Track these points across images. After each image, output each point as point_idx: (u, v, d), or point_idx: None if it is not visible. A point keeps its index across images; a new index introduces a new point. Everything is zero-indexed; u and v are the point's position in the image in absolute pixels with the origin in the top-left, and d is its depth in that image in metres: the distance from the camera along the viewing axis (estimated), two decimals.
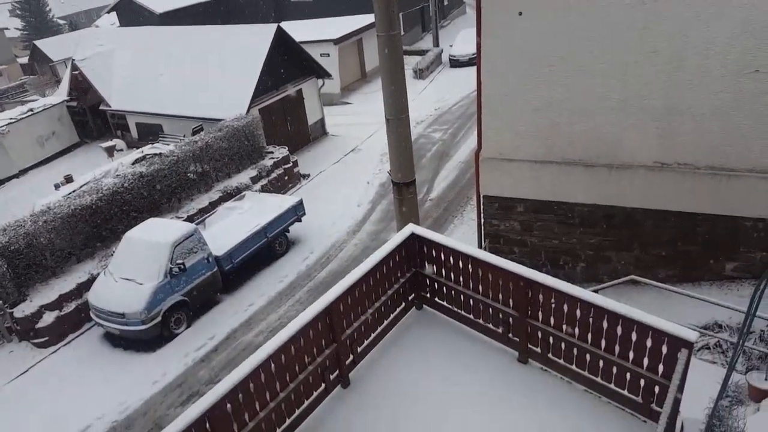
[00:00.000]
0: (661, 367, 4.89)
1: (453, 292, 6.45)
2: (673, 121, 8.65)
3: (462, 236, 14.20)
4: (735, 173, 8.59)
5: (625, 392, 5.25)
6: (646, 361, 4.98)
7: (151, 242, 12.16)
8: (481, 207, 10.81)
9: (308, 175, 19.60)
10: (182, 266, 12.07)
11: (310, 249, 15.11)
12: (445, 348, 6.31)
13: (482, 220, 10.98)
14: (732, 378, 4.59)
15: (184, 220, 14.46)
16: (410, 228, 6.50)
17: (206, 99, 19.56)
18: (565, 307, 5.38)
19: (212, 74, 20.12)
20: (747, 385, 6.83)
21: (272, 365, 5.08)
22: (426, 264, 6.59)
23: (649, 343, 4.88)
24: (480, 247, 11.19)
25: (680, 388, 4.70)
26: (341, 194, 17.88)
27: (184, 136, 18.26)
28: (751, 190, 8.57)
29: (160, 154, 16.21)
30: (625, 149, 9.13)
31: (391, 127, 8.61)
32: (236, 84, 19.22)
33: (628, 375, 5.17)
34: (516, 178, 10.09)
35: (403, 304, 6.74)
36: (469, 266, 6.14)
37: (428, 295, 6.79)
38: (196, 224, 13.63)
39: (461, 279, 6.29)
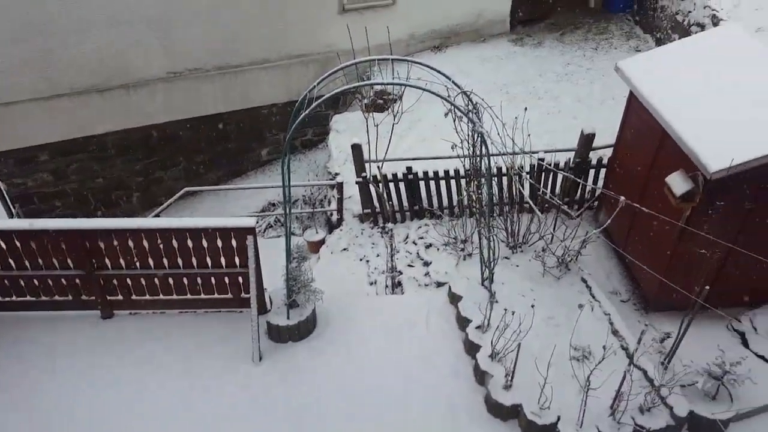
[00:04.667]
0: (237, 259, 5.26)
1: None
2: (170, 29, 8.65)
3: None
4: (241, 68, 9.42)
5: (217, 295, 5.50)
6: (223, 260, 5.26)
7: None
8: None
9: None
10: None
11: None
12: (12, 349, 5.14)
13: None
14: (292, 241, 5.32)
15: None
16: None
17: None
18: (131, 243, 5.05)
19: None
20: (305, 242, 8.25)
21: None
22: None
23: (219, 243, 5.13)
24: (12, 216, 9.24)
25: (257, 269, 5.21)
26: None
27: None
28: (257, 81, 9.65)
29: None
30: (134, 65, 8.73)
31: None
32: None
33: (213, 279, 5.38)
34: (23, 123, 8.45)
35: None
36: (1, 243, 4.96)
37: None
38: None
39: None
